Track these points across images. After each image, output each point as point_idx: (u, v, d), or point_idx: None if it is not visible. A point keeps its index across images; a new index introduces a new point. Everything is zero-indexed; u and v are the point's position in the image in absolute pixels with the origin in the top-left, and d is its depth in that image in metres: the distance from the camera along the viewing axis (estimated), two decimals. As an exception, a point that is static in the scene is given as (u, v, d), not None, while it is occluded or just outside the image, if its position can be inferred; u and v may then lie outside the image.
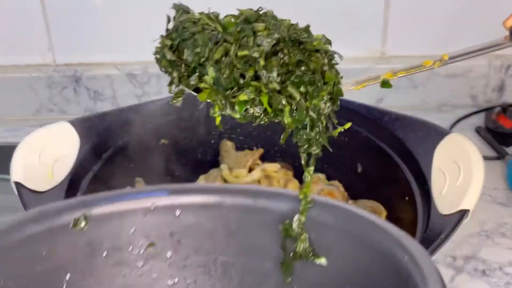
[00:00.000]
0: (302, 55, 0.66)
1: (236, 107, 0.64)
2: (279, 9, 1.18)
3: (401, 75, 0.76)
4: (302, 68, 0.65)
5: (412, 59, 1.22)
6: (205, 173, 0.99)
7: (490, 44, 0.75)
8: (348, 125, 0.69)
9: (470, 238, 0.97)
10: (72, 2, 1.19)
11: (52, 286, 0.52)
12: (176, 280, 0.56)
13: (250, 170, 0.98)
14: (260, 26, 0.67)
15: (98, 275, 0.54)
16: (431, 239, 0.71)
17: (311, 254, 0.54)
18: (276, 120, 0.66)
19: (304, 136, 0.67)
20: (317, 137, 0.66)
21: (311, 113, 0.65)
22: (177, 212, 0.54)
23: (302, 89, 0.64)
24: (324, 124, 0.66)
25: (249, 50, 0.64)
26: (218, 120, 0.65)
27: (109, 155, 0.88)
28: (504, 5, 1.18)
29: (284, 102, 0.64)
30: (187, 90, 0.69)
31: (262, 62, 0.63)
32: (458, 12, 1.19)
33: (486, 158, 1.06)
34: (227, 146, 0.99)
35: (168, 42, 0.70)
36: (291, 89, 0.64)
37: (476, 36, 1.23)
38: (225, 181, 0.96)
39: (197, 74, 0.67)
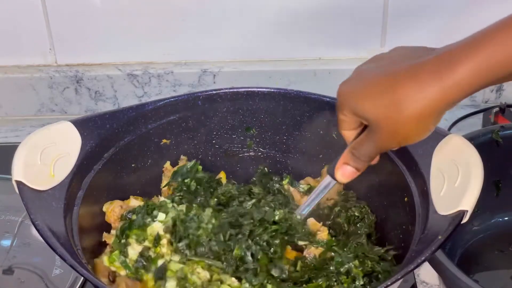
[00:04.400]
0: None
1: None
2: (280, 12, 1.19)
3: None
4: None
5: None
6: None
7: (322, 188, 0.82)
8: None
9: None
10: (73, 3, 1.19)
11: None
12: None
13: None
14: None
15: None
16: (430, 240, 0.71)
17: None
18: None
19: None
20: None
21: None
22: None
23: None
24: None
25: None
26: None
27: (111, 154, 0.88)
28: (502, 6, 1.19)
29: None
30: None
31: None
32: (457, 13, 1.19)
33: (484, 159, 1.07)
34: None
35: None
36: None
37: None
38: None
39: None
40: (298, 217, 0.86)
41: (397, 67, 0.66)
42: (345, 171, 0.75)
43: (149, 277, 0.82)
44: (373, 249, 0.84)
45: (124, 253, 0.84)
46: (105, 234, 0.88)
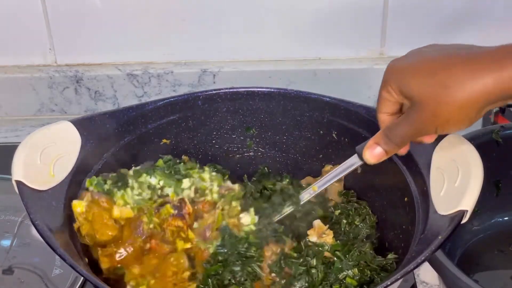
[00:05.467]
0: None
1: None
2: (280, 12, 1.19)
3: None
4: None
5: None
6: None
7: (346, 166, 0.81)
8: None
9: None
10: (73, 3, 1.19)
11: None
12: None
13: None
14: None
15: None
16: (430, 240, 0.71)
17: None
18: None
19: None
20: None
21: None
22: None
23: None
24: None
25: None
26: None
27: (110, 154, 0.88)
28: (501, 6, 1.19)
29: None
30: None
31: None
32: (457, 12, 1.19)
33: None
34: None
35: None
36: None
37: (474, 36, 1.24)
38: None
39: None
40: (307, 195, 0.87)
41: (454, 52, 0.66)
42: (374, 152, 0.74)
43: (118, 195, 0.83)
44: (376, 259, 0.83)
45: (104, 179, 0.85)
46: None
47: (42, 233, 0.72)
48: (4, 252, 0.98)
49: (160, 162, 0.89)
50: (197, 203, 0.86)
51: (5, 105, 1.29)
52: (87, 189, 0.83)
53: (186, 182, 0.86)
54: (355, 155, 0.79)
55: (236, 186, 0.90)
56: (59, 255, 0.70)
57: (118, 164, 0.89)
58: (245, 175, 0.99)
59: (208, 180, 0.88)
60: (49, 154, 0.81)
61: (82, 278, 0.91)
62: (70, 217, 0.79)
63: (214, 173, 0.90)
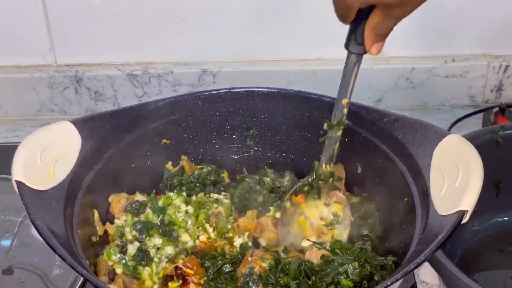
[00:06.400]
0: None
1: None
2: (280, 12, 1.19)
3: None
4: None
5: (411, 59, 1.24)
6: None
7: (351, 69, 0.82)
8: None
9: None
10: (73, 3, 1.19)
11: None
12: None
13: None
14: None
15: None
16: (430, 240, 0.71)
17: None
18: None
19: None
20: None
21: None
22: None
23: None
24: None
25: None
26: None
27: (111, 154, 0.88)
28: (501, 6, 1.19)
29: None
30: None
31: None
32: (456, 12, 1.19)
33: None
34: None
35: None
36: None
37: (473, 35, 1.24)
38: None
39: None
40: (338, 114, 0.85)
41: None
42: (379, 47, 0.81)
43: (145, 275, 0.83)
44: (376, 257, 0.83)
45: (122, 251, 0.84)
46: (107, 224, 0.88)
47: (42, 233, 0.72)
48: (4, 252, 0.98)
49: (149, 215, 0.89)
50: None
51: (5, 105, 1.29)
52: (115, 271, 0.83)
53: (170, 250, 0.86)
54: (349, 58, 0.80)
55: (223, 204, 0.92)
56: (59, 255, 0.70)
57: (118, 165, 0.89)
58: (244, 168, 0.99)
59: (192, 226, 0.88)
60: (49, 154, 0.81)
61: (82, 278, 0.91)
62: (70, 217, 0.79)
63: (191, 209, 0.90)
